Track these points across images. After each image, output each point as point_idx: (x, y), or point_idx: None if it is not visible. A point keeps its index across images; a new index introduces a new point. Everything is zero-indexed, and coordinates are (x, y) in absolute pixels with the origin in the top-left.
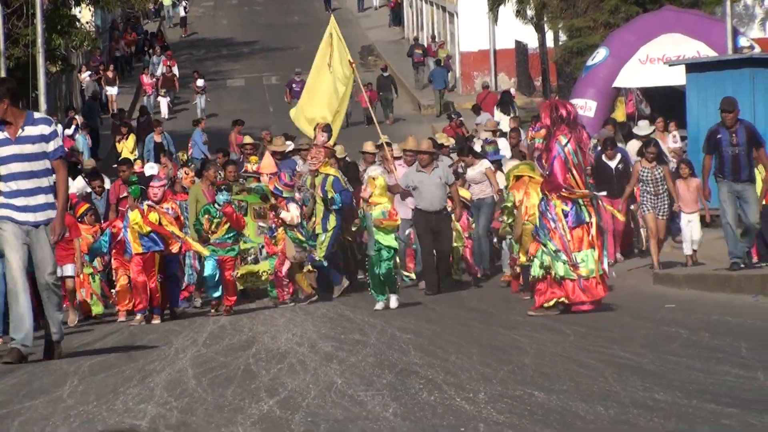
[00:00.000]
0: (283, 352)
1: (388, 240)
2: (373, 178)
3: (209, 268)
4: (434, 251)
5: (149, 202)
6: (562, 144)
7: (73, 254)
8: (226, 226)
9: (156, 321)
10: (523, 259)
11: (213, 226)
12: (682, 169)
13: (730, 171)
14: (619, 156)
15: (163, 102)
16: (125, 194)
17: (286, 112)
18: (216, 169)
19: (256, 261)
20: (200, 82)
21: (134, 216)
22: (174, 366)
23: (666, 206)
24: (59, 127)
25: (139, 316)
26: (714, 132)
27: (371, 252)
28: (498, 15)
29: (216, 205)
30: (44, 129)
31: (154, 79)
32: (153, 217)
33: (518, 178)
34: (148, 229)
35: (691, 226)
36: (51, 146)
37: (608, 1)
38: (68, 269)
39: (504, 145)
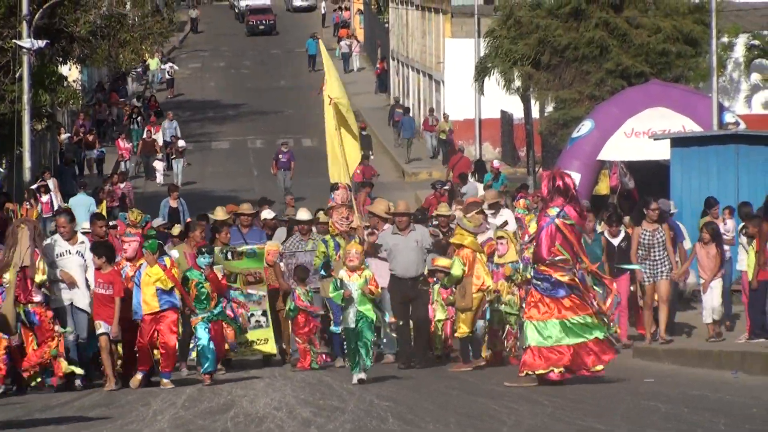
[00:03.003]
0: (261, 416)
1: (368, 310)
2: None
3: (204, 339)
4: (409, 321)
5: (176, 257)
6: (551, 216)
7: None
8: (215, 296)
9: (170, 386)
10: (465, 329)
11: (203, 298)
12: (703, 234)
13: None
14: (622, 234)
15: (159, 166)
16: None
17: (270, 177)
18: (202, 230)
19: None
20: (181, 143)
21: (155, 271)
22: (152, 427)
23: (666, 268)
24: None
25: (139, 376)
26: None
27: (351, 324)
28: (483, 85)
29: (199, 268)
30: None
31: (130, 145)
32: (176, 272)
33: (459, 245)
34: (172, 284)
35: (711, 293)
36: None
37: (594, 74)
38: (103, 326)
39: (509, 215)
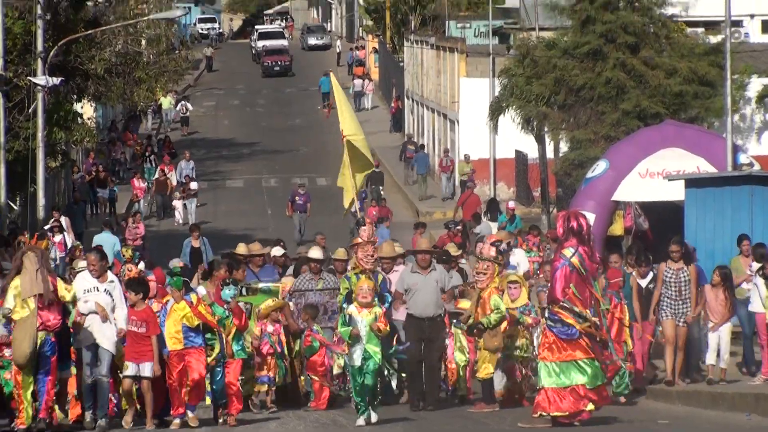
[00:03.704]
0: None
1: (375, 352)
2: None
3: (220, 378)
4: (422, 361)
5: (202, 293)
6: (566, 256)
7: (150, 351)
8: (234, 332)
9: (195, 422)
10: (490, 370)
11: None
12: (714, 277)
13: None
14: (651, 275)
15: (179, 204)
16: None
17: (284, 216)
18: (227, 268)
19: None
20: (194, 185)
21: (181, 308)
22: None
23: (689, 309)
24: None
25: (177, 421)
26: None
27: (356, 362)
28: (498, 124)
29: (222, 302)
30: None
31: (145, 184)
32: (203, 309)
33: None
34: (198, 321)
35: (717, 336)
36: None
37: (609, 114)
38: (146, 369)
39: (521, 257)
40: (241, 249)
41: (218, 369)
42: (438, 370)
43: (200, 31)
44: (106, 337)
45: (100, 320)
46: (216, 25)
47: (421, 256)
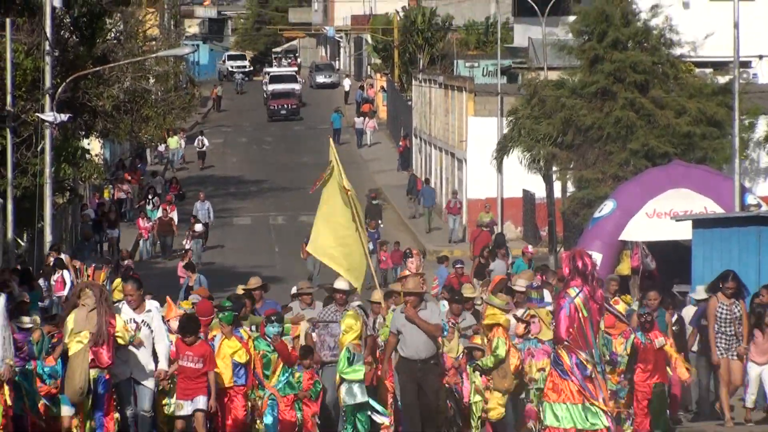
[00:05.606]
0: None
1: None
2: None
3: (269, 419)
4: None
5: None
6: (571, 296)
7: (205, 386)
8: (280, 367)
9: None
10: (501, 411)
11: (265, 370)
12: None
13: None
14: (675, 316)
15: (186, 245)
16: None
17: (292, 254)
18: (246, 306)
19: None
20: (198, 227)
21: (233, 344)
22: None
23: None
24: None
25: None
26: None
27: (353, 400)
28: (502, 163)
29: (266, 338)
30: None
31: (150, 224)
32: (252, 345)
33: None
34: (248, 357)
35: (762, 377)
36: None
37: (617, 153)
38: (200, 401)
39: (548, 297)
40: (252, 282)
41: (268, 408)
42: (437, 413)
43: (230, 68)
44: (144, 373)
45: (138, 354)
46: (245, 63)
47: (407, 298)
